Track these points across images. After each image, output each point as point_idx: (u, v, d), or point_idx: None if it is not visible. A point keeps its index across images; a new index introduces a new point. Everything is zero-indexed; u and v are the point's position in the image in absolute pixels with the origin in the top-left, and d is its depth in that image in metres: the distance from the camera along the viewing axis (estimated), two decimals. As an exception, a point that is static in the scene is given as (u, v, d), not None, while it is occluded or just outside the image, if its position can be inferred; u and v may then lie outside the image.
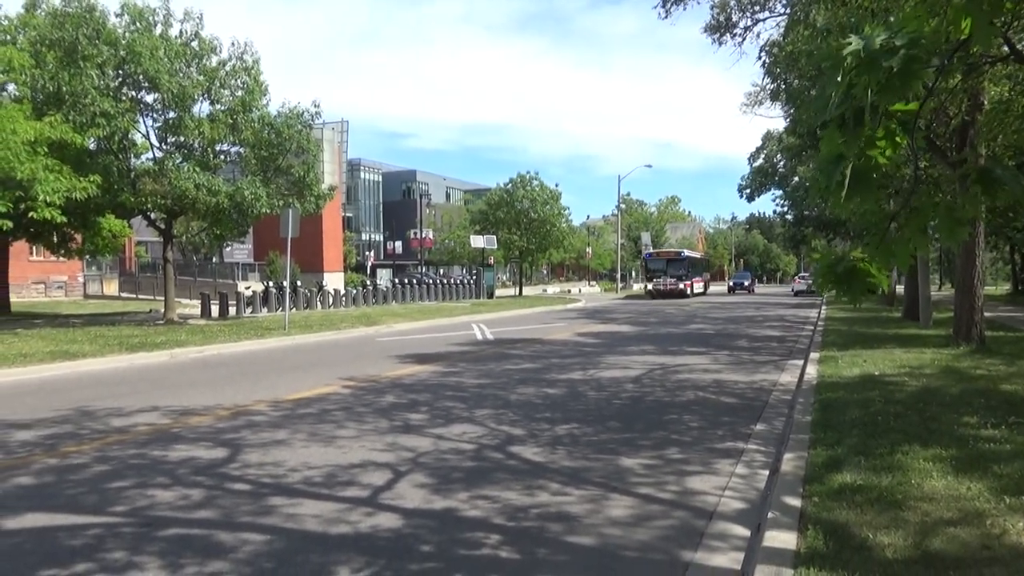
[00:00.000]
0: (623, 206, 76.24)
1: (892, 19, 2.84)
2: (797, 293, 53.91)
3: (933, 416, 7.04)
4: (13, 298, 28.07)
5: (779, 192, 47.04)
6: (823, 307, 32.05)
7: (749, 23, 18.81)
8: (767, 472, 5.75)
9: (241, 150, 21.81)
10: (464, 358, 14.08)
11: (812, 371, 10.68)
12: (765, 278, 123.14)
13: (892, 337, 15.85)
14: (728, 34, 18.79)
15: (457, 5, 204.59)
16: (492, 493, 5.24)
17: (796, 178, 39.69)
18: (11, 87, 18.99)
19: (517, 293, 51.21)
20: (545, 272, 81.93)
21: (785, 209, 49.46)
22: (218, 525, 4.61)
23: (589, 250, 76.34)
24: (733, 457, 6.28)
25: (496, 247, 48.43)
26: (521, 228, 48.60)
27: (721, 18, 18.75)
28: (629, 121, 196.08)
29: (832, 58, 2.86)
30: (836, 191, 2.86)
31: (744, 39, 18.95)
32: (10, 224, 17.06)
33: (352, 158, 78.86)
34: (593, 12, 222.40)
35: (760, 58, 18.12)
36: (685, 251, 54.47)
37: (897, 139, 2.93)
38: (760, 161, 46.04)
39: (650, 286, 47.75)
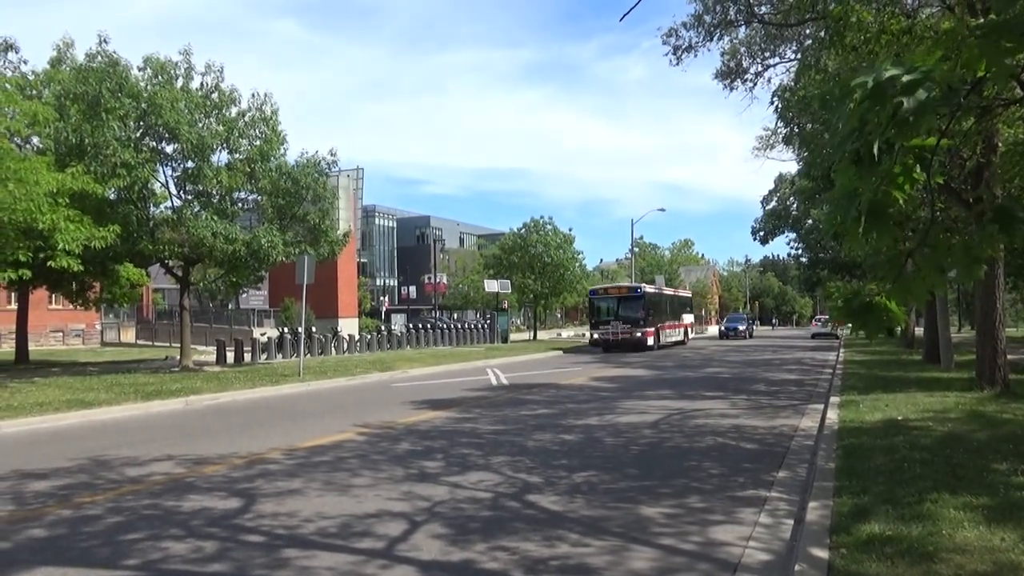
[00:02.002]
0: (637, 249, 76.41)
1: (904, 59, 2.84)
2: (815, 336, 53.27)
3: (961, 463, 6.87)
4: (31, 346, 28.29)
5: (793, 235, 46.99)
6: (841, 350, 31.68)
7: (760, 69, 19.06)
8: (792, 521, 5.60)
9: (259, 198, 22.12)
10: (479, 404, 13.97)
11: (833, 416, 10.49)
12: (780, 320, 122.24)
13: (913, 380, 15.60)
14: (739, 79, 19.01)
15: (469, 55, 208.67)
16: (510, 544, 5.13)
17: (810, 221, 39.65)
18: (35, 139, 19.45)
19: (531, 337, 51.08)
20: (559, 316, 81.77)
21: (799, 252, 49.34)
22: (231, 578, 4.53)
23: (603, 294, 76.19)
24: (756, 506, 6.13)
25: (510, 291, 48.45)
26: (535, 272, 48.66)
27: (732, 64, 18.99)
28: (642, 165, 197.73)
29: (841, 90, 2.86)
30: (852, 228, 2.83)
31: (755, 84, 19.19)
32: (29, 273, 17.28)
33: (367, 204, 79.79)
34: (603, 60, 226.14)
35: (772, 102, 18.29)
36: (644, 286, 38.26)
37: (915, 175, 2.91)
38: (773, 204, 46.17)
39: (595, 334, 35.27)
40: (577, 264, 50.87)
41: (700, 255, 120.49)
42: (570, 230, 50.23)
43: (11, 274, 17.31)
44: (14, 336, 27.44)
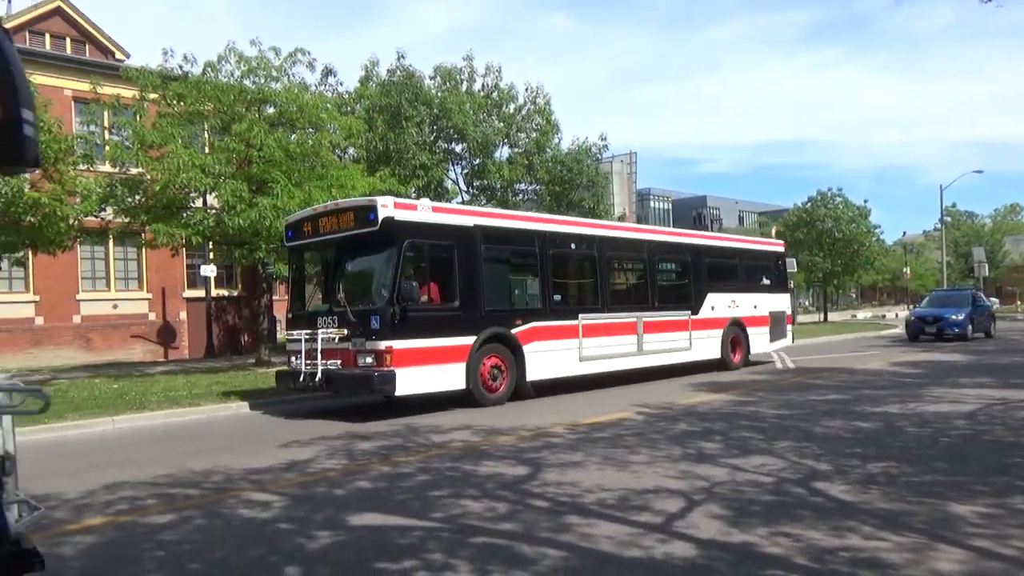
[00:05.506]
0: (948, 219, 67.32)
1: None
2: None
3: None
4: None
5: None
6: None
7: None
8: None
9: (536, 188, 23.37)
10: (761, 387, 13.41)
11: None
12: None
13: None
14: (1079, 7, 15.83)
15: (741, 25, 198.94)
16: (794, 531, 4.90)
17: None
18: (351, 150, 22.50)
19: (821, 319, 47.57)
20: (854, 296, 75.04)
21: None
22: (520, 538, 4.92)
23: (907, 270, 68.38)
24: (1105, 512, 5.16)
25: (796, 270, 45.52)
26: (824, 249, 45.18)
27: (1069, -10, 15.86)
28: (949, 123, 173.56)
29: None
30: None
31: (1103, 10, 15.82)
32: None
33: (641, 188, 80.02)
34: (898, 9, 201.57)
35: None
36: (392, 202, 10.86)
37: None
38: None
39: (291, 354, 11.81)
40: (874, 239, 46.33)
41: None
42: (865, 202, 45.82)
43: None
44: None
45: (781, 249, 20.41)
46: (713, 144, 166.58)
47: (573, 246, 13.95)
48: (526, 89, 22.69)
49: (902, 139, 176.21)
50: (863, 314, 58.34)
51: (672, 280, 16.81)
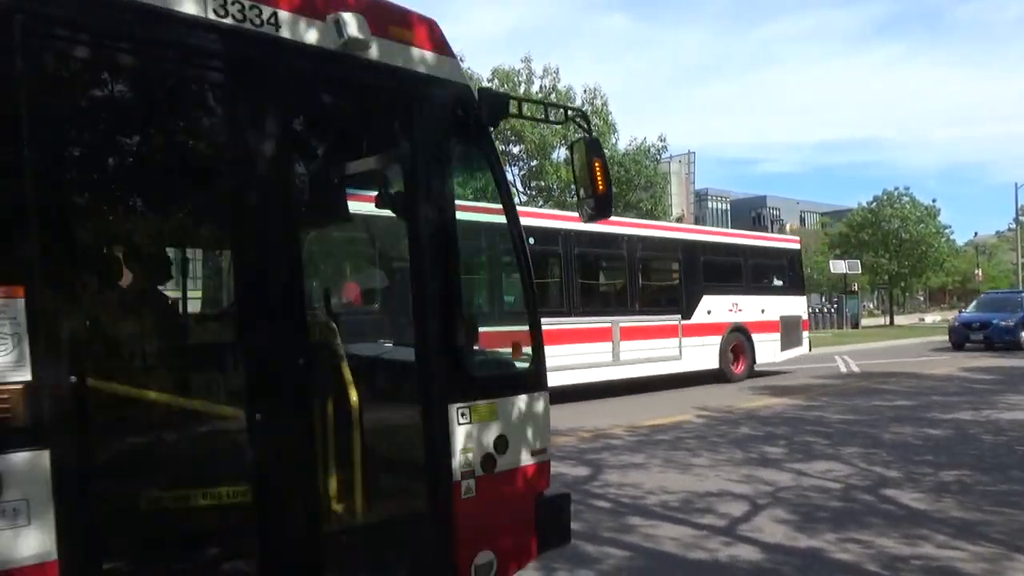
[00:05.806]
0: (1022, 218, 64.48)
1: None
2: None
3: None
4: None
5: None
6: None
7: None
8: None
9: (594, 189, 23.37)
10: (825, 391, 13.12)
11: None
12: None
13: None
14: None
15: (805, 19, 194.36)
16: (863, 537, 4.81)
17: None
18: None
19: (887, 322, 46.17)
20: (922, 299, 72.53)
21: None
22: (583, 537, 4.93)
23: (978, 272, 65.70)
24: None
25: (860, 272, 44.25)
26: (890, 250, 43.80)
27: None
28: (1022, 119, 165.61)
29: None
30: None
31: None
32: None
33: (699, 188, 78.88)
34: (967, 2, 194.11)
35: None
36: None
37: None
38: None
39: None
40: (944, 239, 44.74)
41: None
42: (933, 201, 44.30)
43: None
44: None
45: (796, 247, 17.95)
46: (774, 143, 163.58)
47: (532, 241, 10.88)
48: (584, 90, 22.76)
49: (971, 135, 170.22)
50: (931, 317, 56.23)
51: (658, 280, 15.02)
